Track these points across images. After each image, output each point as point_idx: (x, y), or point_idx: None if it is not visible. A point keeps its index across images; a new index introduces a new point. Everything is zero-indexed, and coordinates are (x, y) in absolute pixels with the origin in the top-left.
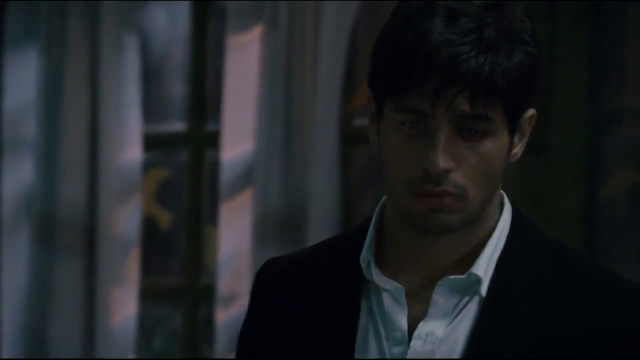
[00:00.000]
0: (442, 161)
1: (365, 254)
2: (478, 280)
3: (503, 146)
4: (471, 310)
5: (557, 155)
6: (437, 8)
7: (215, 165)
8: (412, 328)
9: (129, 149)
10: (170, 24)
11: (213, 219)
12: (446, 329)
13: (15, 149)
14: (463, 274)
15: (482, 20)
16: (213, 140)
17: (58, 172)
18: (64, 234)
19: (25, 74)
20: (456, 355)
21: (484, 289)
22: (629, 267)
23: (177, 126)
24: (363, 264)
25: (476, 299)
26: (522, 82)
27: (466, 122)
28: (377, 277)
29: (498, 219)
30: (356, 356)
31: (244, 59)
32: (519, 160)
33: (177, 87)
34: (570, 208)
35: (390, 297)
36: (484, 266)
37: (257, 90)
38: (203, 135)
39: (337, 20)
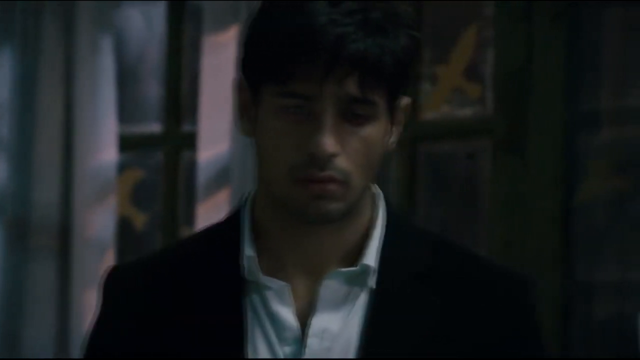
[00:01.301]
0: (329, 144)
1: (247, 252)
2: (368, 272)
3: (384, 132)
4: (361, 303)
5: (533, 157)
6: None
7: (192, 166)
8: (303, 325)
9: (104, 150)
10: (145, 24)
11: (189, 220)
12: (339, 323)
13: None
14: (349, 266)
15: (366, 2)
16: (189, 141)
17: (32, 173)
18: (38, 235)
19: None
20: (352, 350)
21: (372, 281)
22: (607, 269)
23: (153, 127)
24: (245, 263)
25: (365, 291)
26: (406, 66)
27: (351, 106)
28: (260, 275)
29: (373, 210)
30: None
31: (220, 60)
32: (494, 161)
33: (152, 88)
34: (547, 210)
35: (274, 295)
36: (374, 257)
37: (233, 91)
38: (179, 136)
39: None
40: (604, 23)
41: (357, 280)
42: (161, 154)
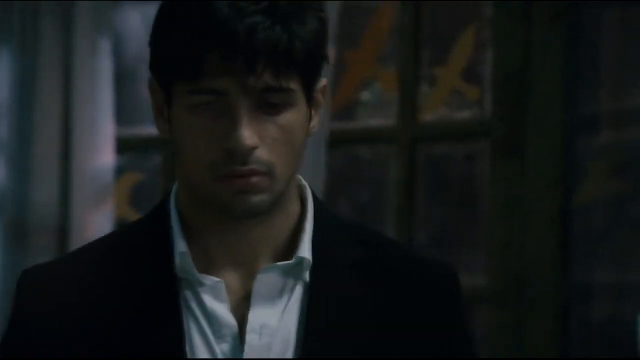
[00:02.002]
0: (247, 138)
1: (180, 248)
2: (303, 265)
3: (304, 118)
4: (297, 297)
5: (532, 159)
6: None
7: None
8: (240, 322)
9: (101, 153)
10: (144, 25)
11: None
12: (277, 318)
13: None
14: (281, 260)
15: None
16: None
17: (30, 174)
18: (37, 236)
19: None
20: (291, 344)
21: (306, 274)
22: (606, 271)
23: (151, 129)
24: (177, 260)
25: (300, 285)
26: (317, 49)
27: (265, 96)
28: (194, 272)
29: (302, 202)
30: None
31: None
32: (493, 163)
33: None
34: (545, 211)
35: (208, 291)
36: (308, 249)
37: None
38: None
39: None
40: (603, 23)
41: (291, 274)
42: (159, 156)
